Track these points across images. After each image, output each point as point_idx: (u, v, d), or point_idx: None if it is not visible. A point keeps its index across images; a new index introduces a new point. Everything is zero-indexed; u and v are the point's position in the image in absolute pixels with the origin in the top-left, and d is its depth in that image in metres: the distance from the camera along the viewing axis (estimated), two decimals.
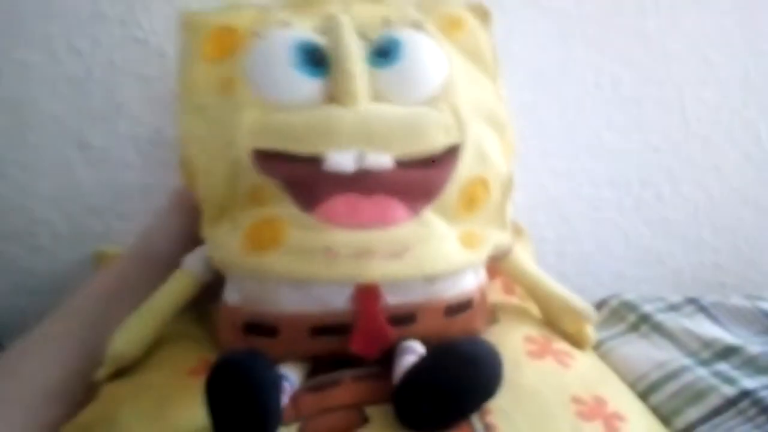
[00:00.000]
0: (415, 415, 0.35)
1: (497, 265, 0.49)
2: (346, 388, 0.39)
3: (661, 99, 0.73)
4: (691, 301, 0.55)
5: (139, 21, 0.59)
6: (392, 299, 0.40)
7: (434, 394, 0.35)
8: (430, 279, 0.41)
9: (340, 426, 0.36)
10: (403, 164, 0.41)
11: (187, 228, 0.46)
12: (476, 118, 0.44)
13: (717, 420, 0.42)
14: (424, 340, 0.41)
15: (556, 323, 0.48)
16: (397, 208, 0.41)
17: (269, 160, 0.40)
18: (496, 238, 0.45)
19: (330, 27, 0.44)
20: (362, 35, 0.44)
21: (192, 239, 0.45)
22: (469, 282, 0.43)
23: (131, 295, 0.44)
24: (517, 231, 0.63)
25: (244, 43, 0.44)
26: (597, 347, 0.52)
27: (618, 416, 0.39)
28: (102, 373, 0.41)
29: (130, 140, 0.61)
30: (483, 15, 0.50)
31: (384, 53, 0.44)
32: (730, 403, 0.42)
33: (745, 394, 0.42)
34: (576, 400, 0.39)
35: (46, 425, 0.39)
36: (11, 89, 0.59)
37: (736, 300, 0.55)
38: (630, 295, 0.57)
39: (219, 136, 0.42)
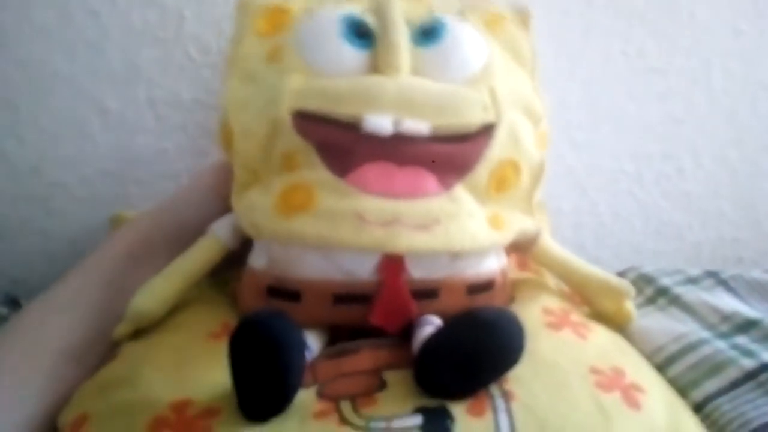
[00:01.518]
0: (435, 382, 0.36)
1: (525, 251, 0.49)
2: (365, 355, 0.40)
3: (687, 70, 0.71)
4: (711, 274, 0.55)
5: None
6: (416, 272, 0.40)
7: (454, 362, 0.35)
8: (456, 255, 0.41)
9: (358, 389, 0.37)
10: (437, 138, 0.42)
11: (218, 200, 0.47)
12: (512, 105, 0.45)
13: (735, 392, 0.42)
14: (445, 317, 0.41)
15: (594, 304, 0.49)
16: (429, 180, 0.41)
17: (309, 122, 0.41)
18: (521, 223, 0.46)
19: (378, 6, 0.45)
20: (408, 21, 0.46)
21: (220, 212, 0.45)
22: (492, 263, 0.44)
23: (155, 258, 0.44)
24: (537, 204, 0.63)
25: (295, 20, 0.46)
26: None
27: (636, 387, 0.39)
28: (121, 330, 0.42)
29: (147, 104, 0.61)
30: (524, 17, 0.51)
31: (428, 33, 0.45)
32: (749, 375, 0.42)
33: (764, 366, 0.42)
34: (594, 371, 0.39)
35: (67, 385, 0.40)
36: (28, 52, 0.58)
37: (756, 273, 0.54)
38: (648, 268, 0.57)
39: (262, 98, 0.43)
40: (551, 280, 0.53)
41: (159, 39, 0.60)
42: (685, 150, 0.74)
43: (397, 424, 0.34)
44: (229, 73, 0.46)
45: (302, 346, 0.36)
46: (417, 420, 0.34)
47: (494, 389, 0.36)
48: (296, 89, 0.42)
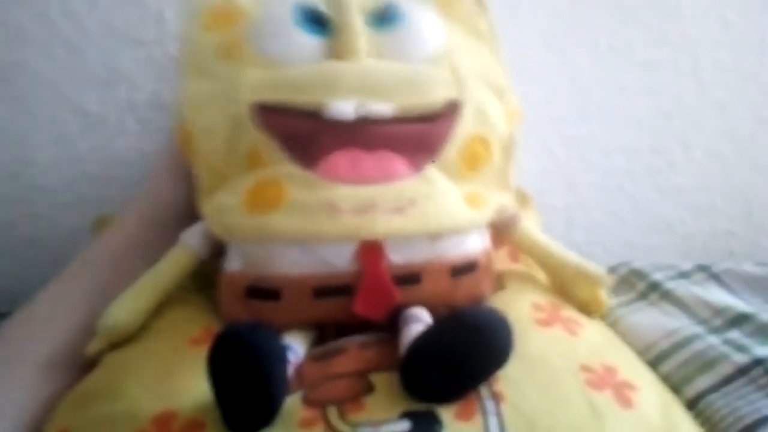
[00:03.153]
0: (423, 386, 0.35)
1: (506, 235, 0.48)
2: (351, 356, 0.39)
3: (675, 62, 0.71)
4: (702, 268, 0.54)
5: None
6: (396, 258, 0.39)
7: (441, 365, 0.34)
8: (435, 236, 0.40)
9: (345, 394, 0.36)
10: (403, 119, 0.41)
11: (189, 191, 0.46)
12: (476, 81, 0.45)
13: (728, 388, 0.41)
14: (431, 303, 0.41)
15: (569, 291, 0.48)
16: (399, 163, 0.41)
17: (270, 114, 0.41)
18: (499, 199, 0.45)
19: None
20: (361, 7, 0.45)
21: (194, 203, 0.44)
22: (474, 243, 0.43)
23: (139, 259, 0.43)
24: (524, 199, 0.63)
25: (245, 13, 0.45)
26: (606, 316, 0.52)
27: (628, 385, 0.38)
28: (93, 346, 0.40)
29: (127, 106, 0.60)
30: None
31: (382, 17, 0.45)
32: (742, 371, 0.42)
33: (757, 362, 0.42)
34: (585, 369, 0.39)
35: (48, 397, 0.39)
36: (4, 54, 0.57)
37: (748, 267, 0.54)
38: (639, 263, 0.56)
39: (220, 95, 0.42)
40: (542, 274, 0.52)
41: (139, 40, 0.58)
42: (676, 143, 0.74)
43: (385, 430, 0.33)
44: (182, 71, 0.45)
45: (283, 355, 0.35)
46: (405, 425, 0.33)
47: (483, 391, 0.35)
48: (254, 82, 0.41)
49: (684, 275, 0.53)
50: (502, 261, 0.53)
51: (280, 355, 0.34)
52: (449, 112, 0.43)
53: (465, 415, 0.34)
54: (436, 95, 0.43)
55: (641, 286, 0.54)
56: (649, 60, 0.70)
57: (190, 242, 0.43)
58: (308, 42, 0.43)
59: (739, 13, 0.71)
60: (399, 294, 0.40)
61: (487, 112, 0.44)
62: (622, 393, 0.38)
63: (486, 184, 0.45)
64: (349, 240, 0.39)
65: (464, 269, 0.42)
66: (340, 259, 0.39)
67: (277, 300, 0.39)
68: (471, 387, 0.35)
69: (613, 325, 0.50)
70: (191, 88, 0.44)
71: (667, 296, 0.51)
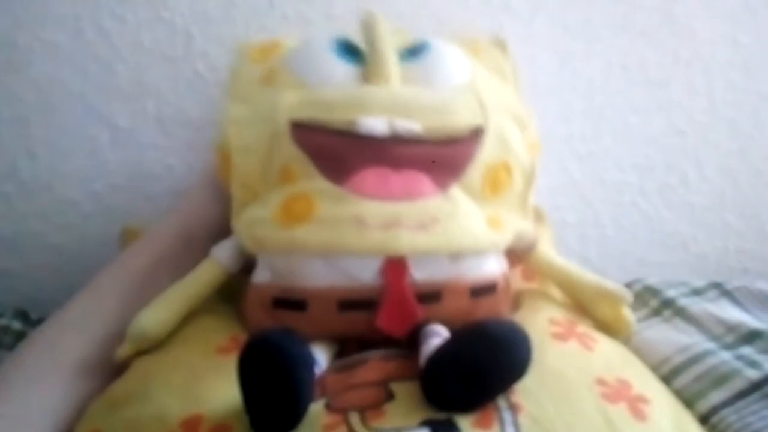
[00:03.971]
0: (442, 395, 0.36)
1: (524, 258, 0.50)
2: (372, 367, 0.40)
3: (688, 81, 0.72)
4: (715, 285, 0.55)
5: (165, 1, 0.60)
6: (419, 275, 0.41)
7: (461, 376, 0.35)
8: (456, 254, 0.42)
9: (366, 401, 0.37)
10: (429, 140, 0.43)
11: (223, 210, 0.48)
12: (499, 112, 0.47)
13: (741, 403, 0.42)
14: (450, 323, 0.42)
15: (590, 312, 0.49)
16: (425, 182, 0.43)
17: (305, 131, 0.43)
18: (518, 225, 0.47)
19: (366, 23, 0.47)
20: (395, 44, 0.48)
21: (227, 222, 0.46)
22: (493, 266, 0.45)
23: (168, 273, 0.45)
24: (538, 215, 0.64)
25: (287, 48, 0.50)
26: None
27: (642, 399, 0.39)
28: (122, 351, 0.42)
29: (155, 121, 0.62)
30: (501, 43, 0.55)
31: (413, 51, 0.48)
32: (755, 386, 0.43)
33: None
34: (600, 382, 0.40)
35: (79, 400, 0.41)
36: (40, 70, 0.60)
37: (762, 284, 0.55)
38: (653, 280, 0.57)
39: (260, 116, 0.45)
40: (557, 292, 0.53)
41: (168, 57, 0.61)
42: (689, 161, 0.74)
43: None
44: (227, 98, 0.48)
45: (311, 362, 0.36)
46: None
47: (501, 401, 0.37)
48: (290, 102, 0.44)
49: (697, 292, 0.54)
50: (516, 281, 0.54)
51: (308, 361, 0.36)
52: (473, 136, 0.45)
53: (483, 425, 0.35)
54: (462, 120, 0.45)
55: (655, 302, 0.55)
56: (662, 79, 0.71)
57: (220, 257, 0.45)
58: (343, 68, 0.46)
59: (751, 34, 0.72)
60: (421, 311, 0.41)
61: (509, 140, 0.46)
62: (636, 406, 0.39)
63: (507, 208, 0.47)
64: (374, 254, 0.40)
65: (483, 290, 0.43)
66: (365, 274, 0.40)
67: (303, 311, 0.41)
68: (490, 397, 0.36)
69: (626, 341, 0.51)
70: (233, 112, 0.47)
71: (681, 313, 0.52)
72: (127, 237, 0.58)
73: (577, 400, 0.38)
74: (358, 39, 0.48)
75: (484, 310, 0.44)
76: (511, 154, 0.46)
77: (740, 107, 0.73)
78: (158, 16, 0.60)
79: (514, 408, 0.36)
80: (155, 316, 0.43)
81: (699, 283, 0.56)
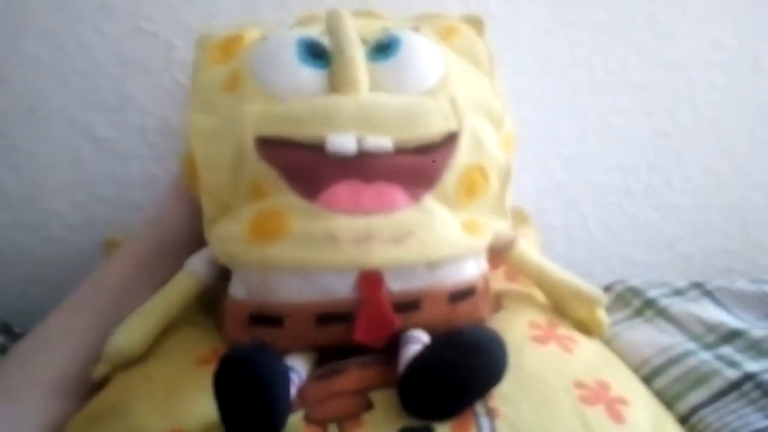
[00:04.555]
0: (420, 404, 0.36)
1: (503, 257, 0.50)
2: (351, 375, 0.40)
3: (670, 83, 0.72)
4: (697, 285, 0.55)
5: (145, 13, 0.60)
6: (395, 286, 0.41)
7: (438, 384, 0.36)
8: (433, 264, 0.42)
9: (345, 411, 0.37)
10: (402, 151, 0.43)
11: (195, 218, 0.48)
12: (473, 111, 0.46)
13: (720, 403, 0.43)
14: (429, 329, 0.42)
15: (567, 311, 0.49)
16: (398, 194, 0.42)
17: (272, 147, 0.42)
18: (496, 226, 0.47)
19: (331, 24, 0.45)
20: (362, 38, 0.46)
21: (200, 231, 0.46)
22: (471, 269, 0.45)
23: (146, 284, 0.45)
24: (523, 218, 0.64)
25: (249, 46, 0.48)
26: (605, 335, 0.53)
27: (621, 400, 0.40)
28: (99, 370, 0.42)
29: (138, 131, 0.62)
30: (477, 24, 0.53)
31: (383, 49, 0.46)
32: (733, 386, 0.43)
33: (748, 377, 0.43)
34: (579, 385, 0.40)
35: (55, 419, 0.41)
36: (21, 82, 0.60)
37: (742, 284, 0.55)
38: (635, 281, 0.58)
39: (224, 129, 0.44)
40: (539, 293, 0.53)
41: (149, 68, 0.61)
42: (672, 162, 0.75)
43: None
44: (190, 106, 0.47)
45: (287, 378, 0.36)
46: None
47: (479, 407, 0.37)
48: (256, 116, 0.43)
49: (679, 292, 0.55)
50: (499, 281, 0.54)
51: (283, 377, 0.36)
52: (447, 143, 0.44)
53: (461, 431, 0.36)
54: (434, 127, 0.44)
55: (637, 303, 0.55)
56: (645, 81, 0.72)
57: (196, 268, 0.45)
58: (309, 75, 0.44)
59: (732, 35, 0.72)
60: (398, 320, 0.41)
61: (484, 141, 0.46)
62: (615, 408, 0.39)
63: (483, 211, 0.46)
64: (347, 270, 0.40)
65: (462, 295, 0.43)
66: (341, 288, 0.40)
67: (280, 326, 0.41)
68: (467, 404, 0.37)
69: (608, 341, 0.51)
70: (197, 121, 0.46)
71: (662, 313, 0.52)
72: (110, 248, 0.59)
73: (554, 404, 0.38)
74: (322, 34, 0.46)
75: (463, 314, 0.44)
76: (486, 155, 0.46)
77: (722, 108, 0.74)
78: (139, 27, 0.60)
79: (491, 413, 0.37)
80: (131, 333, 0.42)
81: (681, 283, 0.56)
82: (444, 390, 0.36)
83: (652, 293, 0.55)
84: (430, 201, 0.43)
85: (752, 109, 0.75)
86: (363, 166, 0.42)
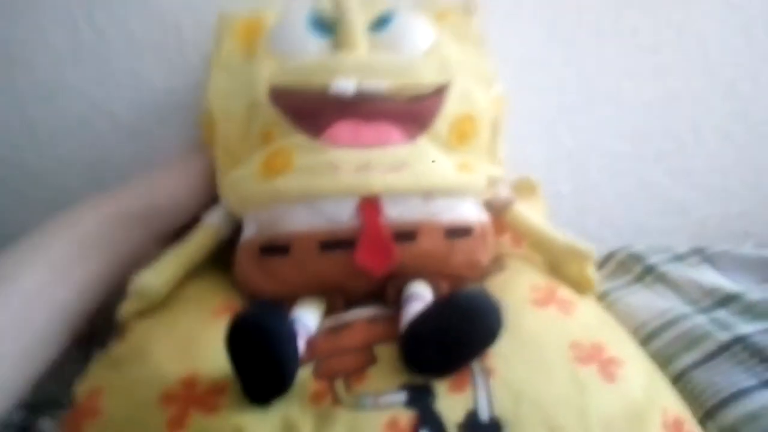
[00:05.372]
0: (419, 363, 0.41)
1: (501, 216, 0.55)
2: (358, 330, 0.45)
3: (682, 45, 0.73)
4: (698, 251, 0.58)
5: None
6: (393, 213, 0.46)
7: (436, 344, 0.40)
8: (428, 194, 0.47)
9: (351, 366, 0.42)
10: (397, 97, 0.50)
11: (189, 188, 0.53)
12: (462, 72, 0.53)
13: (710, 364, 0.46)
14: (428, 264, 0.47)
15: (560, 269, 0.53)
16: (394, 132, 0.49)
17: (282, 95, 0.50)
18: (488, 170, 0.53)
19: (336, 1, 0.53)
20: (363, 17, 0.54)
21: (191, 198, 0.53)
22: (469, 210, 0.50)
23: (130, 231, 0.50)
24: (531, 187, 0.67)
25: (267, 26, 0.56)
26: (603, 298, 0.56)
27: (614, 361, 0.43)
28: (127, 307, 0.47)
29: (151, 108, 0.66)
30: (469, 10, 0.60)
31: (380, 23, 0.54)
32: (724, 347, 0.46)
33: (738, 339, 0.46)
34: (574, 346, 0.43)
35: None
36: (41, 66, 0.64)
37: (745, 249, 0.57)
38: (638, 247, 0.60)
39: (240, 86, 0.52)
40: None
41: (159, 47, 0.65)
42: (686, 126, 0.76)
43: (384, 400, 0.39)
44: (211, 71, 0.55)
45: (294, 336, 0.41)
46: (402, 396, 0.39)
47: (476, 366, 0.41)
48: (269, 72, 0.51)
49: (679, 258, 0.57)
50: (505, 246, 0.58)
51: (290, 335, 0.40)
52: (437, 93, 0.51)
53: (457, 388, 0.40)
54: (425, 78, 0.51)
55: (638, 269, 0.58)
56: (655, 44, 0.73)
57: (212, 221, 0.51)
58: (316, 42, 0.53)
59: None
60: (397, 249, 0.46)
61: (472, 96, 0.53)
62: (607, 368, 0.43)
63: (476, 156, 0.53)
64: (349, 195, 0.46)
65: (458, 232, 0.49)
66: (343, 214, 0.46)
67: (287, 254, 0.46)
68: (463, 363, 0.41)
69: (610, 306, 0.55)
70: (216, 83, 0.54)
71: (662, 278, 0.55)
72: None
73: (548, 363, 0.42)
74: (329, 12, 0.54)
75: (460, 253, 0.49)
76: (475, 108, 0.52)
77: (738, 69, 0.75)
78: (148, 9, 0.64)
79: (487, 372, 0.41)
80: (156, 274, 0.48)
81: (682, 248, 0.59)
82: (441, 350, 0.40)
83: (653, 259, 0.57)
84: (424, 141, 0.49)
85: None
86: (362, 107, 0.49)
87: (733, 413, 0.42)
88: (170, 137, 0.67)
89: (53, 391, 0.50)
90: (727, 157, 0.78)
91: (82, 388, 0.44)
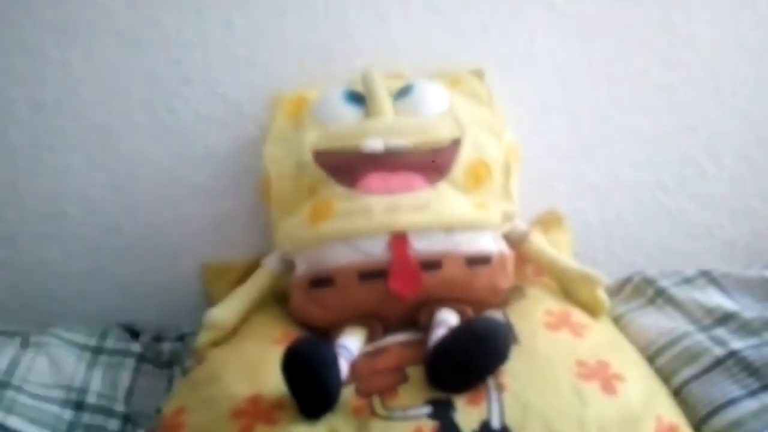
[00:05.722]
0: (441, 382, 0.49)
1: (519, 247, 0.63)
2: (393, 353, 0.54)
3: (693, 81, 0.79)
4: (704, 273, 0.63)
5: (217, 79, 0.76)
6: (419, 246, 0.56)
7: (453, 366, 0.48)
8: (449, 228, 0.58)
9: (387, 384, 0.50)
10: (418, 151, 0.61)
11: None
12: (474, 126, 0.64)
13: (706, 377, 0.52)
14: (453, 290, 0.57)
15: (573, 294, 0.61)
16: (418, 180, 0.60)
17: (324, 157, 0.62)
18: (503, 206, 0.62)
19: (365, 77, 0.66)
20: (389, 89, 0.66)
21: None
22: (487, 242, 0.59)
23: None
24: (557, 219, 0.76)
25: (311, 101, 0.68)
26: (619, 319, 0.63)
27: (618, 377, 0.50)
28: (202, 337, 0.59)
29: (221, 174, 0.78)
30: (479, 74, 0.72)
31: (402, 92, 0.66)
32: (719, 362, 0.52)
33: (731, 353, 0.52)
34: (580, 364, 0.51)
35: None
36: (127, 146, 0.78)
37: (750, 272, 0.62)
38: (652, 271, 0.66)
39: (291, 150, 0.64)
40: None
41: (223, 123, 0.77)
42: (705, 154, 0.81)
43: (411, 412, 0.47)
44: (267, 142, 0.68)
45: (336, 362, 0.50)
46: (426, 410, 0.47)
47: (491, 382, 0.49)
48: (313, 138, 0.64)
49: (687, 281, 0.63)
50: (528, 275, 0.67)
51: (333, 362, 0.49)
52: (452, 145, 0.62)
53: (474, 401, 0.48)
54: (442, 135, 0.63)
55: (650, 292, 0.64)
56: (666, 82, 0.79)
57: (270, 265, 0.64)
58: (350, 112, 0.65)
59: (752, 26, 0.78)
60: (425, 277, 0.56)
61: (484, 145, 0.64)
62: (610, 383, 0.50)
63: (491, 196, 0.63)
64: (380, 233, 0.57)
65: (478, 260, 0.58)
66: (376, 249, 0.57)
67: (332, 285, 0.57)
68: (479, 381, 0.49)
69: (625, 326, 0.61)
70: (272, 151, 0.66)
71: (671, 300, 0.61)
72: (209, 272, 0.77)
73: (554, 380, 0.50)
74: (361, 87, 0.65)
75: (481, 279, 0.58)
76: (487, 155, 0.63)
77: (750, 98, 0.80)
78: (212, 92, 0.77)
79: (500, 388, 0.49)
80: (225, 310, 0.61)
81: (690, 272, 0.64)
82: (459, 370, 0.48)
83: (664, 282, 0.63)
84: (443, 185, 0.60)
85: None
86: (389, 161, 0.61)
87: (723, 420, 0.48)
88: (238, 197, 0.78)
89: (145, 405, 0.63)
90: (748, 179, 0.82)
91: (167, 406, 0.55)
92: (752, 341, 0.52)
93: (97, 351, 0.70)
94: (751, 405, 0.48)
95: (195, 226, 0.80)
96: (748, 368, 0.50)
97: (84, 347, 0.69)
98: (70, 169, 0.78)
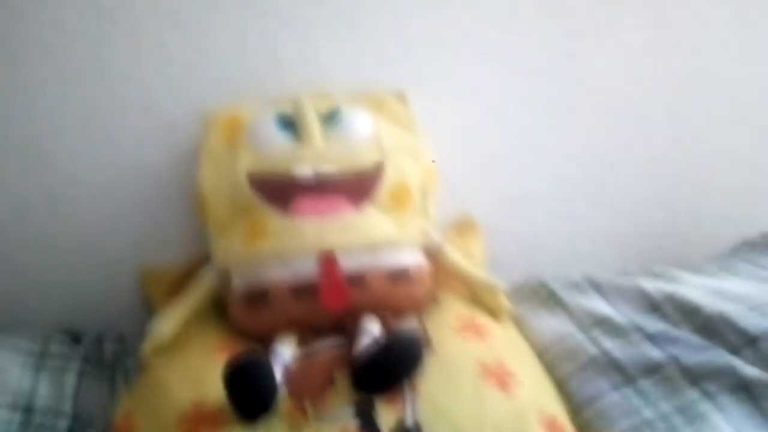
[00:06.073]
0: (365, 385, 0.57)
1: (434, 258, 0.72)
2: (321, 359, 0.61)
3: (592, 105, 0.90)
4: (588, 279, 0.74)
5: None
6: (346, 264, 0.64)
7: (377, 372, 0.57)
8: (372, 248, 0.66)
9: (316, 387, 0.57)
10: (345, 176, 0.68)
11: None
12: (396, 150, 0.72)
13: (582, 373, 0.62)
14: (378, 302, 0.64)
15: (480, 300, 0.71)
16: (344, 203, 0.68)
17: (258, 180, 0.68)
18: (420, 223, 0.71)
19: (296, 105, 0.72)
20: (317, 110, 0.72)
21: None
22: (406, 257, 0.68)
23: None
24: (471, 225, 0.85)
25: (244, 123, 0.73)
26: (518, 320, 0.72)
27: (511, 374, 0.60)
28: (147, 346, 0.64)
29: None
30: (402, 98, 0.79)
31: (330, 117, 0.72)
32: (592, 360, 0.62)
33: (604, 353, 0.62)
34: (481, 363, 0.60)
35: None
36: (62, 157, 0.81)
37: (625, 279, 0.73)
38: (545, 277, 0.76)
39: (225, 173, 0.70)
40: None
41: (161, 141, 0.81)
42: (602, 169, 0.93)
43: (339, 412, 0.55)
44: (202, 161, 0.73)
45: (272, 375, 0.56)
46: (351, 410, 0.56)
47: (406, 384, 0.57)
48: (247, 162, 0.70)
49: (574, 285, 0.74)
50: (441, 283, 0.74)
51: (269, 372, 0.56)
52: (377, 170, 0.70)
53: (391, 402, 0.56)
54: (367, 159, 0.70)
55: (543, 295, 0.74)
56: (571, 105, 0.90)
57: (208, 276, 0.70)
58: (282, 138, 0.71)
59: (648, 55, 0.89)
60: (352, 292, 0.63)
61: (405, 169, 0.72)
62: (504, 380, 0.59)
63: (411, 215, 0.71)
64: (311, 252, 0.64)
65: (399, 276, 0.67)
66: (307, 267, 0.64)
67: (266, 299, 0.64)
68: (397, 384, 0.57)
69: (522, 327, 0.71)
70: (206, 170, 0.72)
71: (559, 303, 0.72)
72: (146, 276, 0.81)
73: (458, 379, 0.58)
74: (291, 110, 0.71)
75: (403, 292, 0.67)
76: (408, 178, 0.71)
77: (641, 119, 0.92)
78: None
79: (413, 389, 0.57)
80: (165, 322, 0.66)
81: (577, 277, 0.75)
82: (381, 376, 0.57)
83: (554, 286, 0.74)
84: (368, 207, 0.68)
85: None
86: (318, 186, 0.68)
87: (591, 411, 0.59)
88: (172, 205, 0.82)
89: (91, 405, 0.67)
90: (638, 189, 0.95)
91: (118, 411, 0.61)
92: (620, 341, 0.63)
93: (42, 356, 0.73)
94: (614, 397, 0.58)
95: (130, 234, 0.84)
96: (615, 365, 0.61)
97: (29, 353, 0.73)
98: (4, 181, 0.80)
